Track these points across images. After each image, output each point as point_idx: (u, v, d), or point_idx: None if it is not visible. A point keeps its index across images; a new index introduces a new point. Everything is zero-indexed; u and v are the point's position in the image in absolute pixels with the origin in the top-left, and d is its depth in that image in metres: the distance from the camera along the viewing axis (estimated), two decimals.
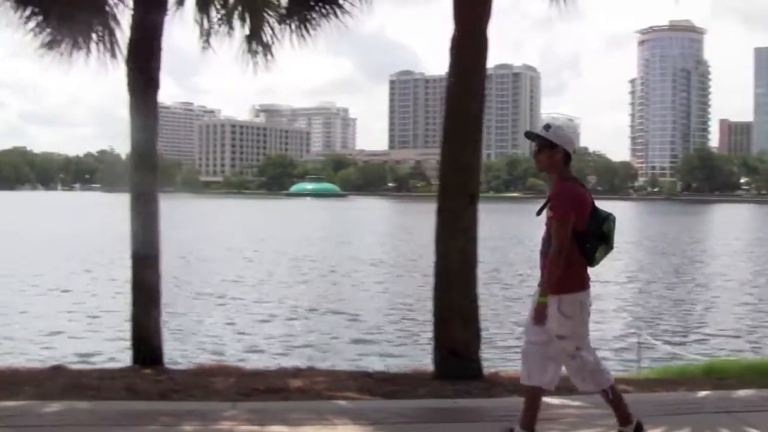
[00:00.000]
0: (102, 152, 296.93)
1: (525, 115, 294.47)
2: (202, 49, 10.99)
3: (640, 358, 12.55)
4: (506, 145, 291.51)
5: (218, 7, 10.95)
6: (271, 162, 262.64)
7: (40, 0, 9.55)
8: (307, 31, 10.65)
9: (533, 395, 5.70)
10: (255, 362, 13.27)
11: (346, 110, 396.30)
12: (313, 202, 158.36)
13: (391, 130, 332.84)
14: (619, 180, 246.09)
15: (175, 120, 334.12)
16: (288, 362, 13.45)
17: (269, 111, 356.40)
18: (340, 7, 10.23)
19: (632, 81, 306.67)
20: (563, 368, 5.73)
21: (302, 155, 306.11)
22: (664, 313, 23.29)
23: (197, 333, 17.73)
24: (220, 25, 10.93)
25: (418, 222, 74.58)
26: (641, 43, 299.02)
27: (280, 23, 10.85)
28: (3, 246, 40.53)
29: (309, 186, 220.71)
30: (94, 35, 10.04)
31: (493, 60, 8.22)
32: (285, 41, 10.85)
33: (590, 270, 5.59)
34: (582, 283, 5.62)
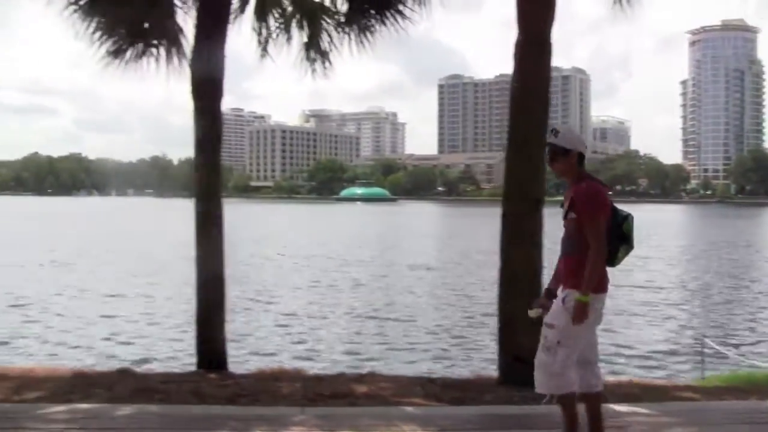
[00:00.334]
0: (154, 158, 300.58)
1: (575, 118, 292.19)
2: (260, 57, 11.12)
3: (704, 364, 12.39)
4: None
5: (276, 15, 11.04)
6: (321, 167, 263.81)
7: (108, 10, 9.71)
8: (366, 38, 10.69)
9: (570, 403, 5.64)
10: (309, 367, 13.28)
11: (395, 114, 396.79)
12: (363, 207, 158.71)
13: (441, 134, 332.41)
14: (670, 183, 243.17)
15: (226, 126, 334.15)
16: (340, 367, 13.50)
17: (319, 116, 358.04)
18: (400, 13, 10.26)
19: (683, 82, 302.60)
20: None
21: (352, 160, 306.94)
22: (727, 319, 22.88)
23: (249, 337, 17.83)
24: (278, 34, 11.04)
25: (468, 226, 74.41)
26: (692, 43, 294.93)
27: (338, 30, 10.92)
28: (67, 251, 41.15)
29: (359, 190, 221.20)
30: (158, 42, 10.19)
31: None
32: (343, 48, 10.96)
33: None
34: (596, 285, 5.48)
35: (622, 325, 20.26)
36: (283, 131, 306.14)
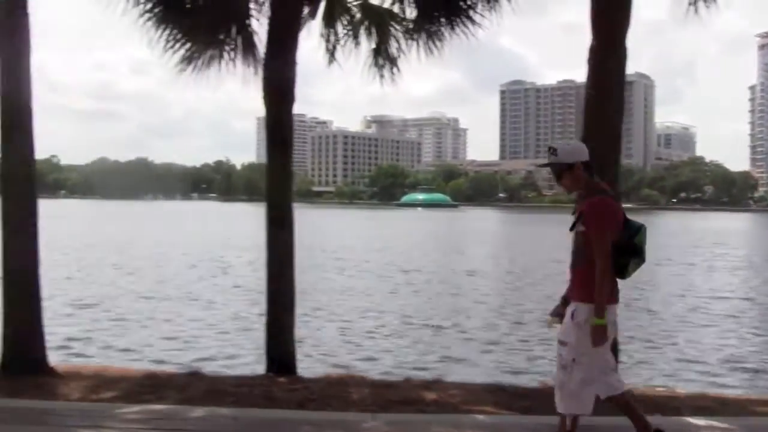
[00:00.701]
0: (218, 163, 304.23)
1: (639, 124, 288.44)
2: (327, 63, 11.21)
3: None
4: None
5: (345, 21, 11.11)
6: (382, 172, 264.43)
7: (183, 18, 9.87)
8: (434, 44, 10.70)
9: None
10: (368, 372, 13.29)
11: (456, 120, 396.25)
12: (424, 213, 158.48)
13: (502, 140, 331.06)
14: (737, 190, 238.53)
15: None
16: (400, 373, 13.49)
17: (381, 122, 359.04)
18: (470, 19, 10.25)
19: (752, 87, 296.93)
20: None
21: (413, 165, 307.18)
22: None
23: (308, 339, 17.89)
24: (346, 40, 11.11)
25: (530, 233, 73.89)
26: (762, 47, 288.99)
27: (406, 37, 10.94)
28: (132, 254, 41.81)
29: (420, 196, 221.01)
30: (230, 49, 10.33)
31: None
32: (411, 54, 10.98)
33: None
34: (608, 297, 5.44)
35: (689, 335, 19.94)
36: (345, 137, 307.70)
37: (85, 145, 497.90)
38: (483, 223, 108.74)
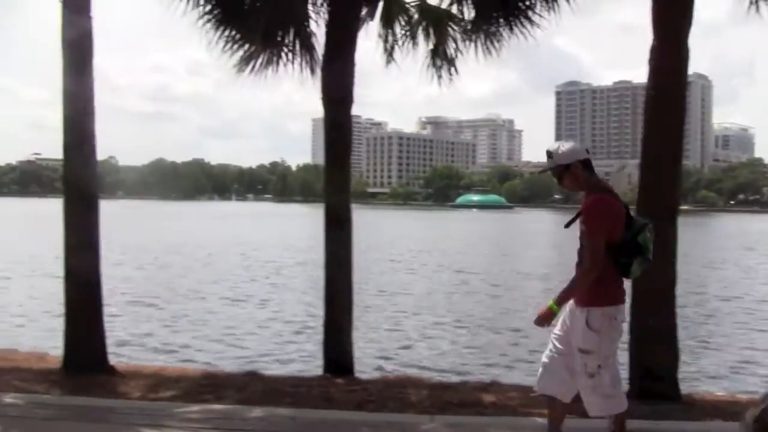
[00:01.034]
0: (273, 164, 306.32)
1: (696, 125, 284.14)
2: (385, 64, 11.20)
3: None
4: None
5: (403, 22, 11.09)
6: (437, 174, 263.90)
7: (241, 19, 9.93)
8: (492, 44, 10.63)
9: (551, 406, 5.69)
10: (427, 373, 13.24)
11: (511, 121, 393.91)
12: (479, 214, 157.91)
13: (557, 141, 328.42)
14: None
15: None
16: (459, 374, 13.43)
17: (435, 123, 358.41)
18: (529, 19, 10.16)
19: None
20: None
21: (468, 167, 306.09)
22: None
23: (364, 341, 17.87)
24: (403, 41, 11.09)
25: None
26: None
27: (463, 38, 10.90)
28: (188, 254, 42.26)
29: (475, 198, 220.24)
30: (289, 50, 10.38)
31: None
32: (468, 55, 10.93)
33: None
34: (613, 297, 5.41)
35: (747, 339, 19.56)
36: (400, 138, 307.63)
37: (143, 146, 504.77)
38: (538, 224, 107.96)
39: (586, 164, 5.61)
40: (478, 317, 22.56)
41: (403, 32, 11.10)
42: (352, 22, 9.70)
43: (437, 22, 10.95)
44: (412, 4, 11.01)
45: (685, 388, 8.28)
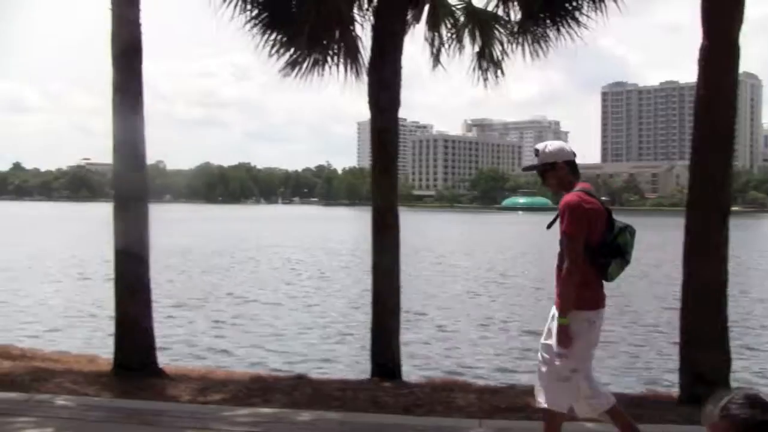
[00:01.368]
0: (319, 167, 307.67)
1: (745, 125, 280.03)
2: (431, 67, 11.17)
3: None
4: None
5: (449, 25, 11.06)
6: (482, 176, 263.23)
7: (287, 23, 9.98)
8: (539, 46, 10.56)
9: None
10: (473, 377, 13.16)
11: (557, 123, 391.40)
12: (524, 216, 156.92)
13: (604, 142, 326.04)
14: None
15: None
16: (506, 379, 13.35)
17: (481, 125, 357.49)
18: (576, 20, 10.08)
19: None
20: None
21: (514, 169, 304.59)
22: None
23: (410, 345, 17.83)
24: (449, 44, 11.05)
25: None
26: None
27: (510, 40, 10.83)
28: (234, 257, 42.56)
29: (521, 200, 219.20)
30: (335, 53, 10.41)
31: None
32: (515, 57, 10.87)
33: None
34: (592, 301, 5.30)
35: None
36: (446, 141, 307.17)
37: (190, 150, 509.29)
38: None
39: (572, 166, 5.52)
40: (525, 320, 22.39)
41: (449, 35, 11.06)
42: (398, 26, 9.70)
43: (483, 25, 10.90)
44: (458, 6, 10.97)
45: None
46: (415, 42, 10.70)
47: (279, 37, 10.14)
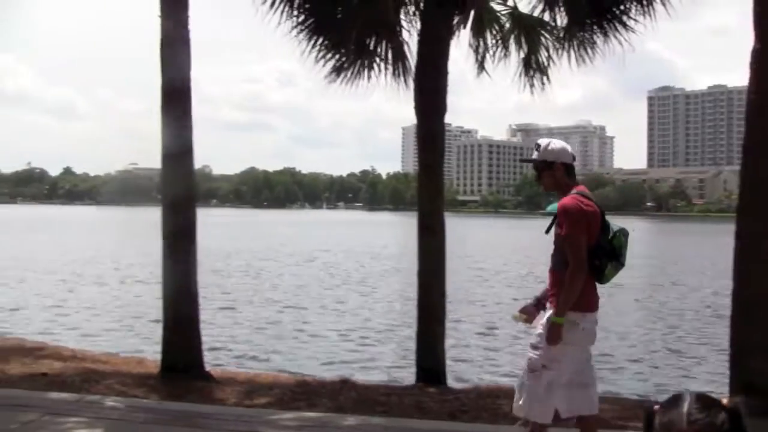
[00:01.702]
0: (364, 172, 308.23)
1: None
2: (476, 73, 11.15)
3: None
4: None
5: (494, 31, 11.03)
6: (527, 181, 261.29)
7: (334, 29, 10.03)
8: (586, 51, 10.50)
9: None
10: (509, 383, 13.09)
11: (603, 128, 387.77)
12: None
13: (650, 147, 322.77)
14: None
15: None
16: None
17: (526, 130, 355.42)
18: (624, 24, 10.00)
19: None
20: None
21: None
22: None
23: (454, 351, 17.78)
24: (495, 50, 11.02)
25: (680, 243, 71.68)
26: None
27: (556, 46, 10.79)
28: (277, 261, 42.77)
29: None
30: (381, 59, 10.44)
31: None
32: (561, 63, 10.82)
33: None
34: (582, 304, 5.24)
35: None
36: (490, 146, 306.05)
37: (236, 155, 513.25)
38: (631, 233, 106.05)
39: (569, 169, 5.52)
40: None
41: (494, 41, 11.03)
42: (444, 31, 9.70)
43: (529, 31, 10.87)
44: (504, 12, 10.94)
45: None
46: (459, 47, 10.71)
47: (325, 42, 10.20)
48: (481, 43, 10.99)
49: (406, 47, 10.33)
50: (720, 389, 9.71)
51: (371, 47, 10.35)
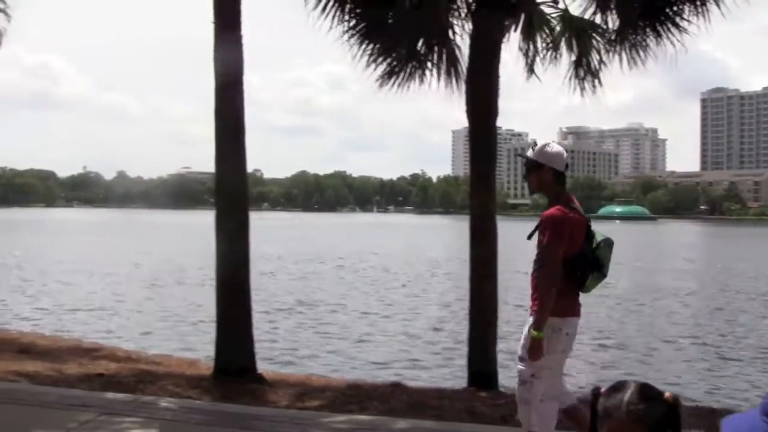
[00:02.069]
0: (414, 175, 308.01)
1: None
2: (526, 77, 11.10)
3: None
4: None
5: (544, 34, 10.98)
6: (578, 184, 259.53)
7: (385, 33, 10.07)
8: (638, 54, 10.41)
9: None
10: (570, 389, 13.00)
11: (655, 131, 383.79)
12: (621, 225, 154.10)
13: (703, 150, 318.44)
14: None
15: None
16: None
17: (576, 133, 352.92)
18: (677, 26, 9.90)
19: None
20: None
21: (610, 177, 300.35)
22: None
23: (503, 354, 17.70)
24: (545, 53, 10.97)
25: (734, 247, 70.64)
26: None
27: (607, 48, 10.71)
28: (333, 264, 42.93)
29: (617, 209, 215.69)
30: (433, 63, 10.45)
31: None
32: (613, 66, 10.74)
33: None
34: (562, 309, 5.23)
35: None
36: None
37: (286, 159, 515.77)
38: (683, 236, 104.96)
39: (559, 176, 5.55)
40: (617, 331, 22.05)
41: (544, 45, 10.98)
42: (496, 34, 9.69)
43: (580, 33, 10.79)
44: (554, 15, 10.89)
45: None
46: (510, 50, 10.68)
47: (376, 46, 10.23)
48: (531, 46, 10.93)
49: (458, 50, 10.34)
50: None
51: (422, 51, 10.37)
